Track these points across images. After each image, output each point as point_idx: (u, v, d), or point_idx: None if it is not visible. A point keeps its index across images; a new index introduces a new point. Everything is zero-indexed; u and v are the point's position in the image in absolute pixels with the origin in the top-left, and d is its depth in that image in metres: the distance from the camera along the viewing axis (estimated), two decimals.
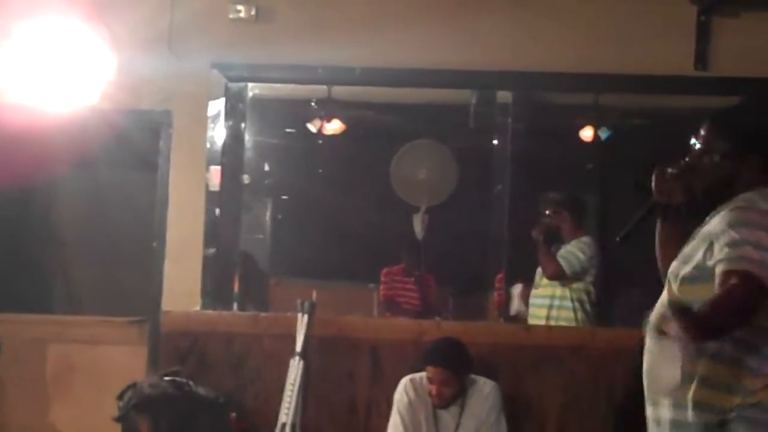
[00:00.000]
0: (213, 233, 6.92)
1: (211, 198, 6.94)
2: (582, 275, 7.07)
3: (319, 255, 9.97)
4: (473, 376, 6.15)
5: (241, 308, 7.07)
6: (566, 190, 7.92)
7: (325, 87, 8.32)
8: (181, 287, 6.87)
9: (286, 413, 6.23)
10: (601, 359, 6.50)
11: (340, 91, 8.43)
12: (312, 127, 9.08)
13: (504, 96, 7.91)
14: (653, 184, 3.65)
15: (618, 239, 3.72)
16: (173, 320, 6.77)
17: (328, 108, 8.84)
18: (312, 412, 6.46)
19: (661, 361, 3.41)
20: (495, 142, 8.03)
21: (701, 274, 3.34)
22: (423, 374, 6.10)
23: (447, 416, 6.05)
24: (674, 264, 3.51)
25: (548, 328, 6.91)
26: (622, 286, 7.97)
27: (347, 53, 6.90)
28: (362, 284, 9.83)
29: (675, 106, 8.27)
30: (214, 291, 6.90)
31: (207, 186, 6.94)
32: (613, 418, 6.38)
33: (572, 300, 7.04)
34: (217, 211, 6.93)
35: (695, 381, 3.33)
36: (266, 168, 9.95)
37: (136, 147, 7.36)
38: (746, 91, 6.74)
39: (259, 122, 8.13)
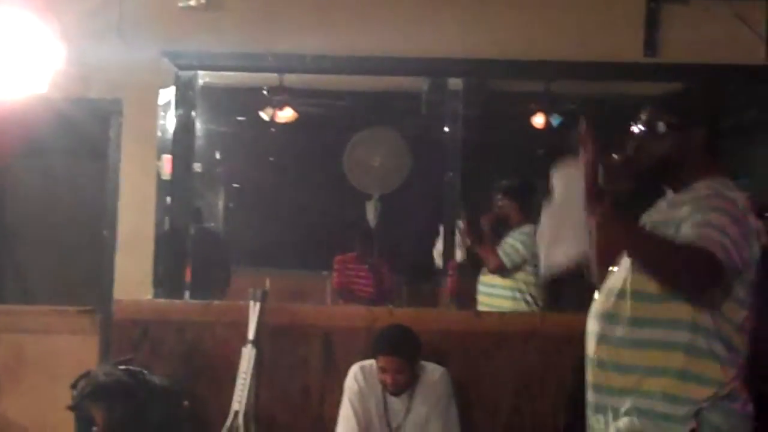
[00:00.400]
0: (164, 222, 6.89)
1: (163, 186, 6.92)
2: (523, 266, 7.08)
3: (272, 243, 9.99)
4: (422, 362, 6.15)
5: (193, 294, 7.04)
6: (518, 176, 7.93)
7: (276, 75, 8.30)
8: (133, 276, 6.85)
9: (239, 401, 6.22)
10: (552, 344, 6.52)
11: (292, 79, 8.40)
12: (264, 116, 9.06)
13: (455, 83, 7.92)
14: (599, 173, 3.62)
15: None
16: (125, 309, 6.74)
17: (280, 96, 8.82)
18: (265, 399, 6.46)
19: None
20: (446, 129, 8.03)
21: None
22: (372, 362, 6.09)
23: (397, 403, 6.02)
24: None
25: (500, 315, 6.92)
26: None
27: (298, 41, 6.89)
28: (315, 272, 9.83)
29: (626, 93, 8.31)
30: (166, 279, 6.88)
31: (158, 174, 6.91)
32: (565, 403, 6.42)
33: (512, 290, 7.07)
34: (169, 199, 6.91)
35: (668, 373, 3.37)
36: (218, 156, 9.94)
37: (86, 136, 7.32)
38: (695, 78, 6.79)
39: (210, 111, 8.11)
